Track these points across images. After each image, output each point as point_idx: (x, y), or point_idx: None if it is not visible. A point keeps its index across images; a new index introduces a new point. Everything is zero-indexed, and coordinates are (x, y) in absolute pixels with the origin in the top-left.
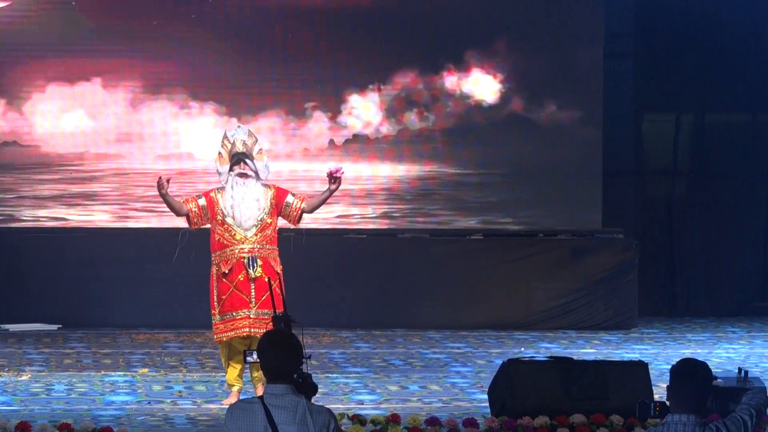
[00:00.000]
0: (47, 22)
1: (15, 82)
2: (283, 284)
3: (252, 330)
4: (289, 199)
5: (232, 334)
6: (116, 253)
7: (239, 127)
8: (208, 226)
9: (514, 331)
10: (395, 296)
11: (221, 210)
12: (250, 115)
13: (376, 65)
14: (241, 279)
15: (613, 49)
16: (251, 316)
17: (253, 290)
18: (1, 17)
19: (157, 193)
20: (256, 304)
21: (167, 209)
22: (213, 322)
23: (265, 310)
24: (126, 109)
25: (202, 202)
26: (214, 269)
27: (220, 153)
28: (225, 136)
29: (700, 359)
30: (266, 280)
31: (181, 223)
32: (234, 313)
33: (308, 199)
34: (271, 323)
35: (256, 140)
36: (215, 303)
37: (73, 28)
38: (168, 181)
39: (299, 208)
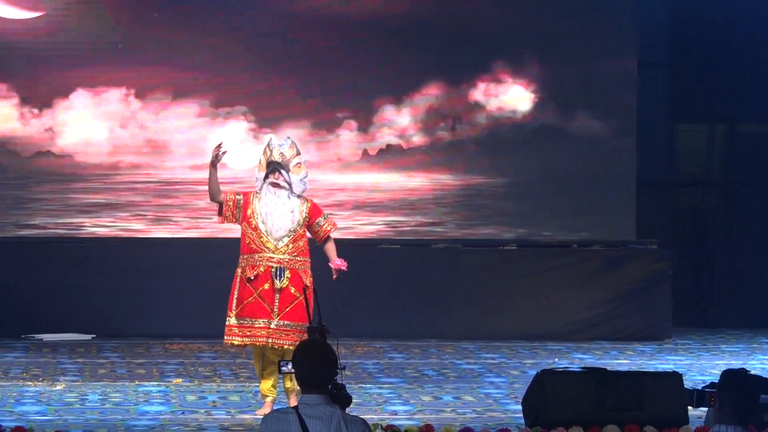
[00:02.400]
0: (79, 32)
1: (47, 91)
2: (312, 297)
3: (270, 340)
4: (321, 220)
5: (247, 341)
6: (150, 262)
7: (287, 138)
8: (238, 227)
9: (548, 341)
10: (429, 306)
11: (256, 215)
12: (282, 124)
13: (409, 75)
14: (266, 288)
15: (647, 60)
16: (271, 326)
17: (277, 301)
18: (34, 27)
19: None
20: (278, 315)
21: (201, 218)
22: (227, 322)
23: (287, 322)
24: (157, 119)
25: (239, 198)
26: (239, 271)
27: (260, 160)
28: (267, 144)
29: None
30: (292, 291)
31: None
32: (252, 321)
33: (329, 242)
34: (291, 335)
35: (298, 153)
36: (233, 305)
37: (104, 37)
38: (224, 153)
39: (328, 231)
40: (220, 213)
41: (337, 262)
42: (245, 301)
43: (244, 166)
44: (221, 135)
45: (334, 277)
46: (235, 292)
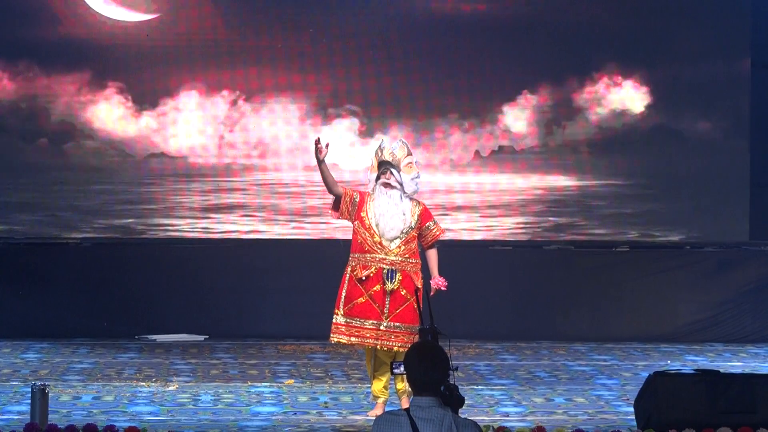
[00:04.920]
0: (191, 34)
1: (159, 93)
2: (421, 299)
3: (379, 342)
4: (431, 224)
5: (354, 340)
6: (262, 264)
7: (399, 140)
8: (349, 224)
9: (661, 343)
10: (540, 308)
11: (370, 215)
12: (391, 125)
13: (520, 76)
14: (377, 289)
15: (761, 60)
16: (381, 328)
17: (387, 303)
18: (149, 29)
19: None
20: (388, 316)
21: (313, 218)
22: (334, 320)
23: (397, 323)
24: (266, 120)
25: (356, 196)
26: (348, 269)
27: (372, 162)
28: (379, 146)
29: None
30: (402, 293)
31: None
32: (361, 321)
33: (434, 249)
34: (401, 336)
35: (409, 153)
36: (341, 303)
37: (215, 39)
38: (327, 146)
39: (437, 236)
40: (336, 208)
41: (437, 281)
42: (355, 301)
43: (353, 167)
44: (331, 136)
45: (432, 293)
46: (344, 291)
